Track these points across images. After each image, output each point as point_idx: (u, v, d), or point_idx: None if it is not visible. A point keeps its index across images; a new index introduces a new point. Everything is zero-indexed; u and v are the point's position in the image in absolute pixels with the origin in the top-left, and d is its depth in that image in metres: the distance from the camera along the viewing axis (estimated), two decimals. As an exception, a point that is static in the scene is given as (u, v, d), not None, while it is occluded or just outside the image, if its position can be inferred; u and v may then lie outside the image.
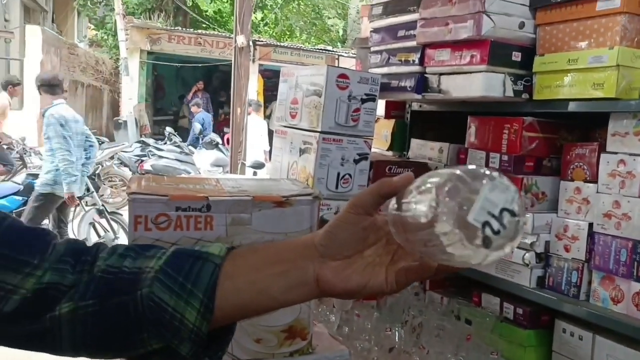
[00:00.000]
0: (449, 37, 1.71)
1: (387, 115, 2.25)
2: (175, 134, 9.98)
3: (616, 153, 1.47)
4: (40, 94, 5.02)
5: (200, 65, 14.46)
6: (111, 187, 7.66)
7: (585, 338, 1.52)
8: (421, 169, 1.96)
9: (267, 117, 11.02)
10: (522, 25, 1.64)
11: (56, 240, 0.71)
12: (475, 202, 0.54)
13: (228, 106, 10.53)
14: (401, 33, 1.93)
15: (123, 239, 5.44)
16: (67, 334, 0.66)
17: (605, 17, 1.45)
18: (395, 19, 1.95)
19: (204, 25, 15.72)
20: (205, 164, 8.35)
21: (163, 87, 16.85)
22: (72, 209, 5.56)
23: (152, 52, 14.23)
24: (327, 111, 1.75)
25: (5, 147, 7.46)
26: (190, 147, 9.33)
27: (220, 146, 9.01)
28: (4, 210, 3.84)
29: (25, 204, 4.98)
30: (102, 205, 5.81)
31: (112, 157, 8.13)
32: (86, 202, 5.71)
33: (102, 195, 6.40)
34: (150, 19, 14.96)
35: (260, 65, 13.65)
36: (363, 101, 1.80)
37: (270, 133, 1.94)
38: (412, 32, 1.86)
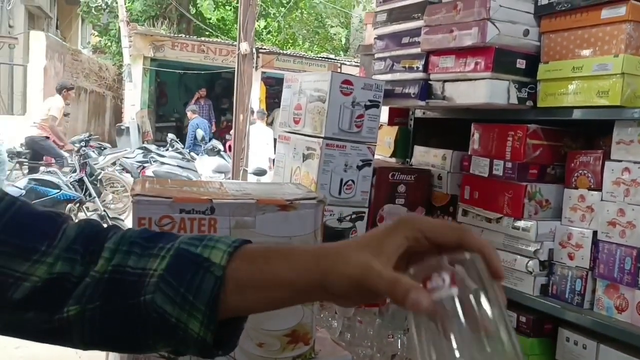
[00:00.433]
0: (454, 44, 1.71)
1: (391, 122, 2.25)
2: (178, 140, 10.00)
3: (621, 161, 1.47)
4: None
5: (203, 72, 14.50)
6: (113, 192, 7.65)
7: (589, 347, 1.50)
8: (424, 176, 1.96)
9: (269, 124, 11.02)
10: (526, 33, 1.64)
11: (67, 223, 0.69)
12: None
13: (230, 113, 10.54)
14: (405, 40, 1.93)
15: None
16: (77, 334, 0.67)
17: (610, 25, 1.45)
18: (399, 25, 1.96)
19: (207, 33, 15.79)
20: (207, 170, 8.35)
21: (166, 94, 16.89)
22: (74, 213, 5.56)
23: (155, 59, 14.27)
24: (331, 117, 1.75)
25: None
26: (192, 154, 9.34)
27: (222, 153, 9.02)
28: None
29: None
30: (104, 210, 5.81)
31: (114, 163, 8.14)
32: (87, 207, 5.71)
33: (104, 200, 6.40)
34: (153, 26, 15.02)
35: (262, 72, 13.68)
36: (367, 107, 1.80)
37: (276, 141, 1.94)
38: (416, 39, 1.87)
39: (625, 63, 1.41)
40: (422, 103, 1.86)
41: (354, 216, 1.83)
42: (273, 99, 13.46)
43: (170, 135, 10.15)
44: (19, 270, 0.64)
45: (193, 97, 14.80)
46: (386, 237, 0.61)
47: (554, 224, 1.62)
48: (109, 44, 16.31)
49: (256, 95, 11.85)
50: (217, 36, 15.87)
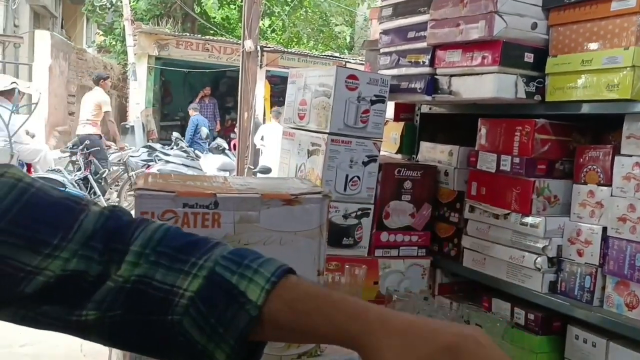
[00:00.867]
0: (460, 38, 1.69)
1: (396, 118, 2.23)
2: (182, 139, 9.99)
3: (631, 156, 1.44)
4: None
5: (207, 71, 14.49)
6: (117, 191, 7.65)
7: (598, 345, 1.48)
8: (430, 172, 1.94)
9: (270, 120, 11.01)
10: (534, 26, 1.62)
11: (86, 212, 0.65)
12: None
13: (235, 112, 10.54)
14: (411, 34, 1.91)
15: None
16: (95, 336, 0.65)
17: (620, 17, 1.43)
18: (405, 20, 1.94)
19: (212, 32, 15.78)
20: (211, 169, 8.35)
21: (170, 93, 16.90)
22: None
23: (160, 57, 14.28)
24: (336, 112, 1.73)
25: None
26: (196, 152, 9.34)
27: (227, 151, 9.01)
28: None
29: None
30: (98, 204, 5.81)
31: (119, 162, 8.14)
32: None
33: (109, 199, 6.40)
34: (158, 25, 15.03)
35: (267, 71, 13.67)
36: (372, 102, 1.78)
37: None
38: (422, 33, 1.84)
39: (636, 56, 1.38)
40: (429, 98, 1.84)
41: (359, 213, 1.81)
42: (278, 98, 13.45)
43: (175, 134, 10.14)
44: (29, 263, 0.61)
45: (197, 96, 14.81)
46: (433, 353, 0.56)
47: (563, 220, 1.60)
48: (114, 43, 16.32)
49: (261, 93, 11.85)
50: (221, 35, 15.86)
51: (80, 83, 12.60)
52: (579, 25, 1.53)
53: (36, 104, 7.22)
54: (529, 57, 1.62)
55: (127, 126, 13.29)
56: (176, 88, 17.01)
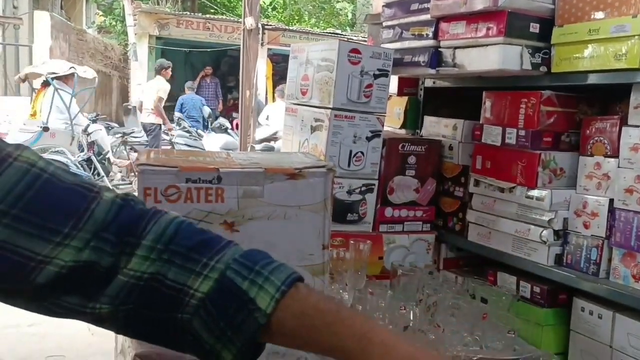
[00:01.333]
0: (464, 9, 1.66)
1: (400, 93, 2.21)
2: (185, 118, 9.97)
3: (638, 126, 1.42)
4: None
5: (209, 50, 14.38)
6: (121, 172, 7.66)
7: (604, 316, 1.48)
8: (435, 146, 1.92)
9: (274, 100, 10.95)
10: (540, -4, 1.59)
11: (98, 200, 0.64)
12: None
13: (237, 91, 10.47)
14: (414, 6, 1.88)
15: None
16: (109, 326, 0.66)
17: (628, -16, 1.40)
18: (408, -8, 1.90)
19: (213, 11, 15.64)
20: (214, 148, 8.34)
21: (172, 73, 16.81)
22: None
23: (160, 37, 14.17)
24: (339, 87, 1.71)
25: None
26: (199, 132, 9.32)
27: (229, 131, 8.99)
28: None
29: None
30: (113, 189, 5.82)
31: (122, 143, 8.14)
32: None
33: (112, 179, 6.41)
34: (158, 4, 14.89)
35: (269, 49, 13.57)
36: (375, 77, 1.76)
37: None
38: (425, 5, 1.81)
39: (644, 24, 1.35)
40: (433, 71, 1.81)
41: (363, 188, 1.81)
42: (279, 76, 13.37)
43: (177, 114, 10.12)
44: (40, 252, 0.60)
45: (198, 75, 14.72)
46: None
47: (569, 192, 1.59)
48: (114, 23, 16.20)
49: (262, 72, 11.77)
50: (222, 13, 15.72)
51: (80, 64, 12.54)
52: (586, -7, 1.50)
53: (94, 87, 7.53)
54: (534, 28, 1.60)
55: (129, 107, 13.24)
56: (178, 68, 16.88)
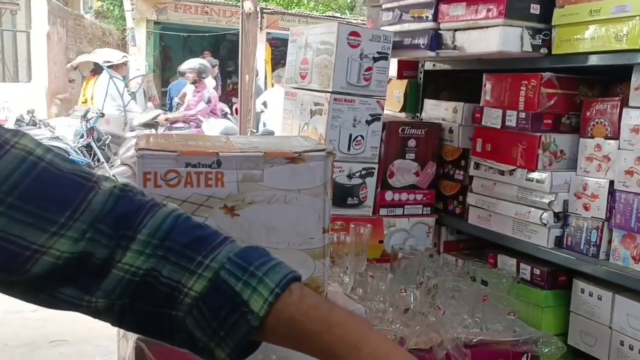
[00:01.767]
0: (464, -9, 1.65)
1: (400, 76, 2.19)
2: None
3: (639, 108, 1.42)
4: None
5: (207, 34, 14.30)
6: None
7: (604, 298, 1.49)
8: (435, 130, 1.92)
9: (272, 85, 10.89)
10: (541, -24, 1.57)
11: (95, 190, 0.63)
12: None
13: (236, 76, 10.41)
14: (414, -12, 1.86)
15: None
16: (105, 319, 0.67)
17: (630, -36, 1.38)
18: (407, -26, 1.88)
19: (210, -6, 15.50)
20: (214, 133, 8.32)
21: (171, 58, 16.71)
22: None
23: (158, 22, 14.08)
24: (338, 70, 1.71)
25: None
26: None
27: (228, 116, 8.95)
28: None
29: None
30: (113, 175, 5.82)
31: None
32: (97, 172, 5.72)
33: (113, 165, 6.40)
34: (156, -12, 14.76)
35: (267, 33, 13.48)
36: (375, 60, 1.75)
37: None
38: (425, -13, 1.80)
39: (646, 4, 1.34)
40: (432, 54, 1.80)
41: (363, 172, 1.80)
42: (278, 60, 13.30)
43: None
44: (36, 242, 0.60)
45: (197, 61, 14.61)
46: None
47: (569, 174, 1.58)
48: (112, 8, 16.06)
49: (261, 56, 11.70)
50: (220, -3, 15.59)
51: (79, 50, 12.46)
52: (587, -27, 1.48)
53: (144, 75, 8.09)
54: (535, 9, 1.58)
55: (129, 92, 13.20)
56: (176, 53, 16.81)
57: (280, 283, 0.63)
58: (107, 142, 6.33)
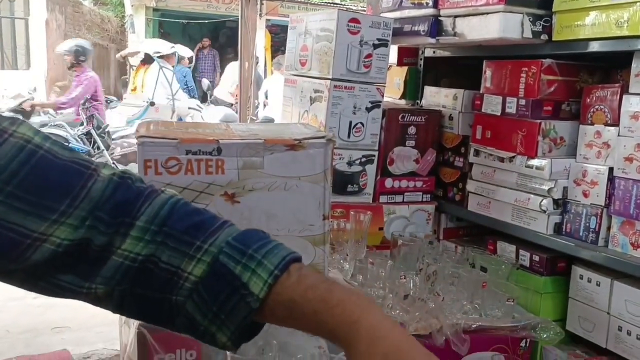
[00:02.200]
0: (465, -23, 1.64)
1: (400, 63, 2.19)
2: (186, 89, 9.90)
3: (639, 94, 1.42)
4: None
5: (206, 21, 14.22)
6: (121, 145, 7.64)
7: (602, 284, 1.49)
8: (435, 117, 1.92)
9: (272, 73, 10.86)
10: (542, -38, 1.56)
11: (94, 178, 0.64)
12: None
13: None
14: (414, -26, 1.85)
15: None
16: (106, 306, 0.67)
17: (631, -51, 1.37)
18: (407, -41, 1.87)
19: (210, -19, 15.39)
20: (214, 120, 8.31)
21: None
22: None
23: (157, 9, 14.00)
24: (338, 57, 1.70)
25: None
26: (198, 104, 9.27)
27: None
28: None
29: None
30: (113, 163, 5.81)
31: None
32: (96, 160, 5.72)
33: (113, 153, 6.39)
34: (154, -26, 14.66)
35: (267, 20, 13.40)
36: (375, 46, 1.74)
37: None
38: (425, -28, 1.79)
39: (647, -10, 1.34)
40: (433, 40, 1.80)
41: (363, 159, 1.81)
42: (278, 47, 13.23)
43: (176, 86, 10.05)
44: (36, 230, 0.60)
45: (195, 47, 14.56)
46: None
47: (569, 161, 1.59)
48: (110, -6, 15.97)
49: (261, 43, 11.65)
50: (219, -17, 15.48)
51: (78, 37, 12.41)
52: (588, -41, 1.48)
53: (190, 66, 8.48)
54: (535, -5, 1.58)
55: (127, 80, 13.15)
56: (175, 40, 16.71)
57: (279, 265, 0.63)
58: (106, 130, 6.31)
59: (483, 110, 1.76)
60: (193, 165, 0.96)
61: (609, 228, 1.49)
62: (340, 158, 1.76)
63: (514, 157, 1.66)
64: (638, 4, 1.35)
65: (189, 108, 7.90)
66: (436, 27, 1.78)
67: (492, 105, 1.73)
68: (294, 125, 1.29)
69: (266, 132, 1.07)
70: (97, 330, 3.32)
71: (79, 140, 6.02)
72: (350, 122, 1.76)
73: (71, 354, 2.72)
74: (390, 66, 2.06)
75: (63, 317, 3.48)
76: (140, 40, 13.58)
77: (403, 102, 2.15)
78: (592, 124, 1.55)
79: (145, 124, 1.07)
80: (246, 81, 5.77)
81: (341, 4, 14.41)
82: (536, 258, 1.65)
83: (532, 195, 1.63)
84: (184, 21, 14.70)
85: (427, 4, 1.79)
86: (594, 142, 1.53)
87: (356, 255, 1.54)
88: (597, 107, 1.54)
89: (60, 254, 0.61)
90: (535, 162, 1.61)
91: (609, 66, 1.62)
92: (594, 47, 1.48)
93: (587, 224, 1.53)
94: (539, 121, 1.60)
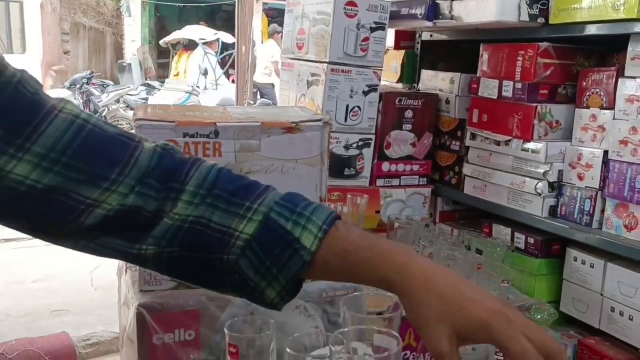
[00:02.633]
0: (462, -41, 1.63)
1: (397, 46, 2.19)
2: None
3: (635, 78, 1.42)
4: None
5: (203, 4, 14.12)
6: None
7: (596, 265, 1.51)
8: (431, 100, 1.92)
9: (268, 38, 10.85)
10: (539, -56, 1.56)
11: (140, 148, 0.67)
12: None
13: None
14: (411, -43, 1.84)
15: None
16: (152, 267, 0.70)
17: None
18: (405, -58, 1.86)
19: (206, -37, 15.26)
20: (211, 104, 8.30)
21: (166, 28, 16.50)
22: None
23: (153, -8, 13.90)
24: (335, 41, 1.70)
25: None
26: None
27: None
28: None
29: None
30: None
31: (117, 100, 8.08)
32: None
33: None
34: (150, -43, 14.52)
35: (264, 4, 13.31)
36: (372, 30, 1.74)
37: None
38: (423, -45, 1.78)
39: (644, -27, 1.34)
40: (430, 24, 1.79)
41: (360, 143, 1.81)
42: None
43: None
44: (89, 196, 0.63)
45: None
46: (466, 324, 0.61)
47: (564, 144, 1.60)
48: (105, -23, 15.82)
49: (258, 27, 11.58)
50: (215, -34, 15.34)
51: (73, 20, 12.32)
52: (586, -59, 1.47)
53: (231, 53, 8.43)
54: (532, -22, 1.57)
55: (123, 64, 13.09)
56: (171, 23, 16.61)
57: (327, 220, 0.67)
58: (103, 115, 6.30)
59: (479, 94, 1.76)
60: (190, 148, 0.97)
61: (603, 210, 1.50)
62: (337, 142, 1.77)
63: (509, 140, 1.67)
64: (634, -14, 1.35)
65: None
66: (433, 11, 1.78)
67: (488, 88, 1.73)
68: (291, 108, 1.29)
69: (263, 115, 1.08)
70: (96, 314, 3.35)
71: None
72: (347, 106, 1.76)
73: (71, 336, 2.75)
74: (387, 50, 2.06)
75: (63, 301, 3.51)
76: (137, 24, 13.51)
77: (400, 85, 2.15)
78: (587, 107, 1.56)
79: (143, 106, 1.07)
80: (243, 65, 5.75)
81: (339, -13, 14.30)
82: (531, 240, 1.67)
83: (527, 179, 1.64)
84: (180, 4, 14.60)
85: (424, -14, 1.79)
86: (589, 126, 1.54)
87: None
88: (592, 90, 1.55)
89: (111, 219, 0.64)
90: (530, 145, 1.62)
91: (605, 49, 1.63)
92: (591, 30, 1.48)
93: (582, 207, 1.54)
94: (535, 105, 1.60)
